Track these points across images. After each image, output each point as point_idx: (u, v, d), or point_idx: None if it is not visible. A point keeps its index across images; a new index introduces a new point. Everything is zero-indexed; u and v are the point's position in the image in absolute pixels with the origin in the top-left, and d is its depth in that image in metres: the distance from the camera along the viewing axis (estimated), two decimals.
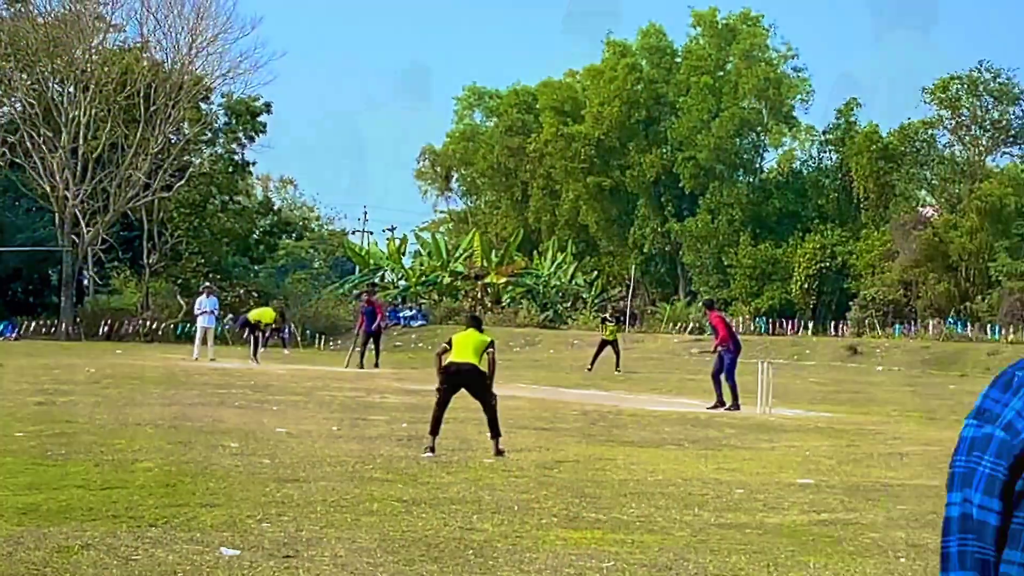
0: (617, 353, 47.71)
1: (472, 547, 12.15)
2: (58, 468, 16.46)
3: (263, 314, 41.08)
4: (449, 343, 20.75)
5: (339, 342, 68.25)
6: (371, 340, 45.97)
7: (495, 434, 20.38)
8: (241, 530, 12.59)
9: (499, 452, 19.80)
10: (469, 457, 19.06)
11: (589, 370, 46.66)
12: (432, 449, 19.59)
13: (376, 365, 44.85)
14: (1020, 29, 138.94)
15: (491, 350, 20.00)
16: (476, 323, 22.19)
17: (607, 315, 53.48)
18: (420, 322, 76.44)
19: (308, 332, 67.56)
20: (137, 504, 13.87)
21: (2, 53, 66.60)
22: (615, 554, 12.01)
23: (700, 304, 49.63)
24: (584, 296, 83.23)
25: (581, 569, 11.29)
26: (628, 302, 78.66)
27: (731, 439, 23.43)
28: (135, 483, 15.41)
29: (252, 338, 46.98)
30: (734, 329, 33.55)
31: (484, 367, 20.76)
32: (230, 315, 59.78)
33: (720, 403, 30.51)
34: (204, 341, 48.64)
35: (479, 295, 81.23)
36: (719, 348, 31.45)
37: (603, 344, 47.58)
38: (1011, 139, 79.75)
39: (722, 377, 31.15)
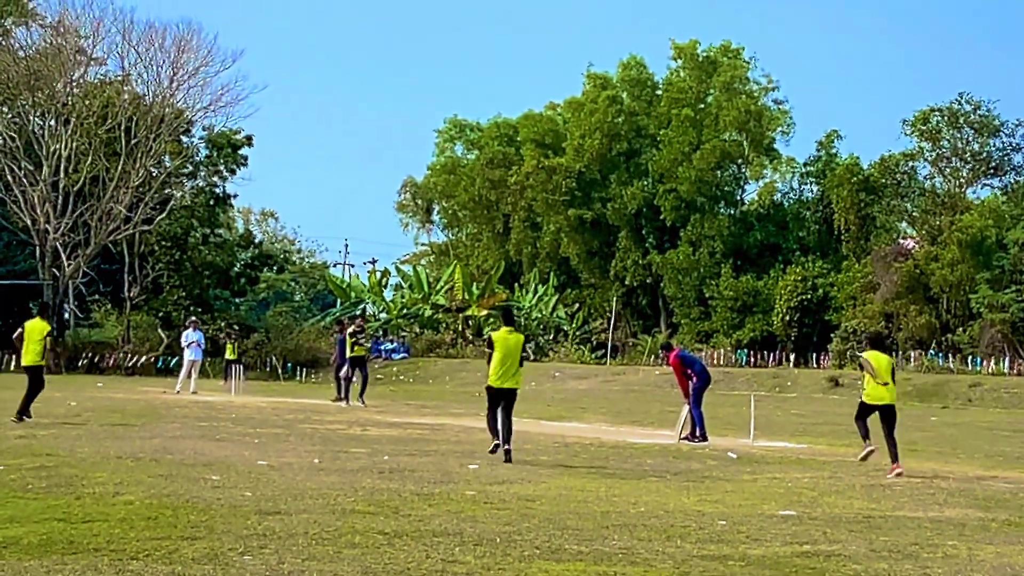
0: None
1: None
2: (39, 501, 16.44)
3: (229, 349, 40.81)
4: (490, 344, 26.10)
5: (320, 375, 68.37)
6: (356, 371, 45.96)
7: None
8: (223, 563, 12.58)
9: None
10: (451, 490, 19.05)
11: None
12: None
13: (360, 396, 44.77)
14: (1000, 61, 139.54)
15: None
16: (506, 315, 27.82)
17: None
18: (402, 355, 76.51)
19: (289, 365, 67.58)
20: (118, 537, 13.85)
21: None
22: None
23: (660, 345, 48.89)
24: (565, 328, 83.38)
25: None
26: (610, 334, 78.88)
27: (713, 471, 23.45)
28: (116, 516, 15.39)
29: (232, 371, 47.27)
30: (703, 362, 33.47)
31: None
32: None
33: (693, 436, 30.60)
34: (189, 374, 48.75)
35: (460, 328, 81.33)
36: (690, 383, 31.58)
37: None
38: (991, 171, 79.95)
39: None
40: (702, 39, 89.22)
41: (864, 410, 25.21)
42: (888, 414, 24.61)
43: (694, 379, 31.56)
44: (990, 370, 62.99)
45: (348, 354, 43.87)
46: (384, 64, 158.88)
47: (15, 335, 33.84)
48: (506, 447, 24.92)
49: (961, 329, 70.05)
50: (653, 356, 74.68)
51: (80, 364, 65.59)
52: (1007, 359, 64.69)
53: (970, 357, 66.86)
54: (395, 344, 78.46)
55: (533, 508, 17.30)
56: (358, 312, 78.73)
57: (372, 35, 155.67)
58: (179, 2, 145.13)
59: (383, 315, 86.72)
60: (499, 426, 25.35)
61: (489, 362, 25.58)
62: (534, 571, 12.71)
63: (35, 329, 32.18)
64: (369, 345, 46.31)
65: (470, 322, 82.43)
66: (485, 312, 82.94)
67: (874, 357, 24.93)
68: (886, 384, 24.75)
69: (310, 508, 16.53)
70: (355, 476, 20.47)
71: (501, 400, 25.34)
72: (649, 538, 14.99)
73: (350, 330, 43.45)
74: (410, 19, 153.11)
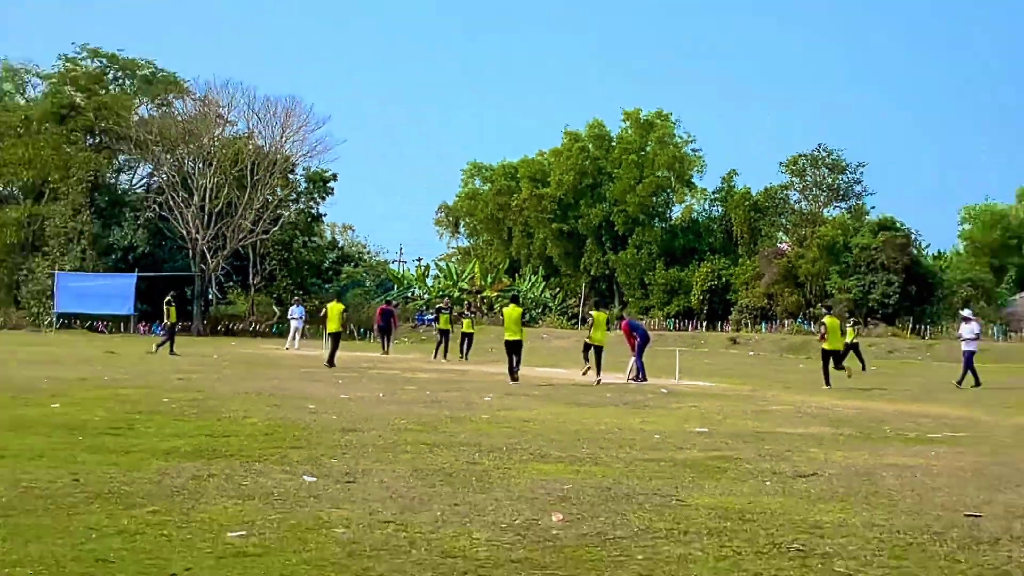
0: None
1: (475, 474, 12.13)
2: (192, 423, 16.44)
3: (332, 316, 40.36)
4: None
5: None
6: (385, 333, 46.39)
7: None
8: (317, 464, 12.58)
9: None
10: (472, 414, 19.01)
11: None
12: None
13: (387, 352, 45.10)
14: (850, 115, 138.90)
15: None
16: (512, 298, 32.38)
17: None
18: (433, 321, 76.51)
19: (362, 330, 67.51)
20: (246, 447, 13.86)
21: (153, 141, 66.63)
22: (572, 479, 11.99)
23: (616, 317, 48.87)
24: (550, 305, 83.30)
25: (549, 490, 11.26)
26: (580, 308, 78.78)
27: (651, 401, 23.38)
28: (245, 433, 15.39)
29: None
30: (644, 326, 33.42)
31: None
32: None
33: (637, 377, 30.61)
34: (293, 337, 49.00)
35: (479, 304, 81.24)
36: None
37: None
38: (840, 197, 79.94)
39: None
40: (644, 106, 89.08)
41: (825, 356, 28.54)
42: (837, 356, 27.97)
43: (637, 339, 31.60)
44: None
45: (438, 326, 46.19)
46: (425, 120, 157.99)
47: (321, 313, 38.48)
48: (513, 375, 29.20)
49: (819, 305, 69.93)
50: (609, 323, 74.43)
51: (219, 329, 65.55)
52: (852, 322, 64.78)
53: (855, 324, 66.80)
54: (434, 315, 78.39)
55: (528, 427, 17.27)
56: (443, 297, 78.56)
57: (415, 100, 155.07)
58: (288, 81, 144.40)
59: (425, 296, 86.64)
60: (512, 366, 29.36)
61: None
62: (529, 470, 12.68)
63: (336, 308, 35.60)
64: (448, 317, 45.15)
65: (485, 300, 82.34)
66: (495, 293, 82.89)
67: (829, 320, 27.05)
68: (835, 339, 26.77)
69: (376, 427, 16.50)
70: (407, 405, 20.44)
71: (511, 348, 29.56)
72: (607, 447, 14.96)
73: (438, 306, 44.10)
74: (441, 89, 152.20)
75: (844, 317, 51.05)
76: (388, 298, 72.42)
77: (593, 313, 31.13)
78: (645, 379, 30.32)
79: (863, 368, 39.77)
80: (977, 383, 31.19)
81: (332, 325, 35.04)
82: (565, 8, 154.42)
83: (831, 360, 29.83)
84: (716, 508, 10.62)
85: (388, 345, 46.75)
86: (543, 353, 51.10)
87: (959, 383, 31.28)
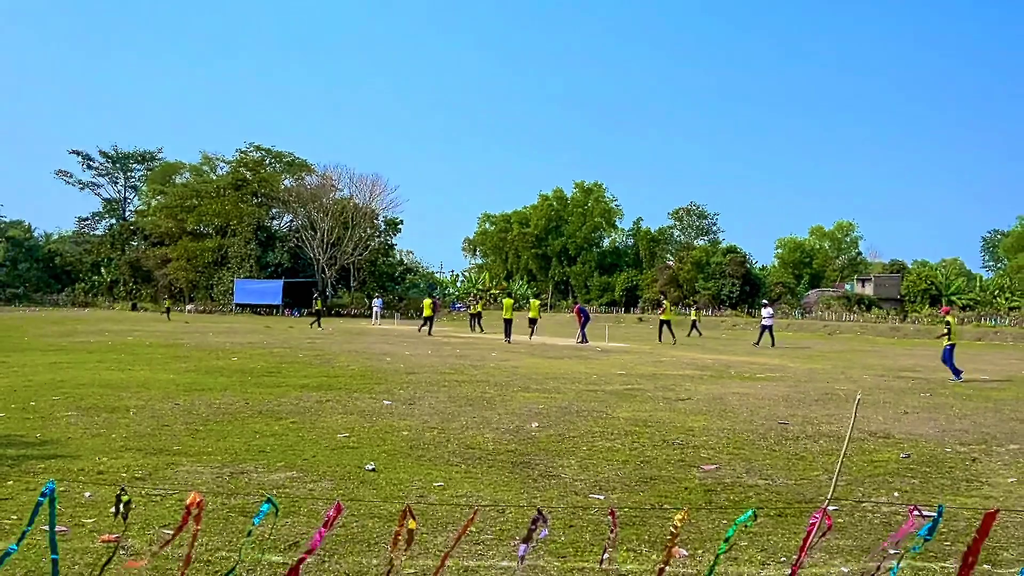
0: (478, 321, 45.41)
1: (485, 399, 12.14)
2: (316, 368, 16.45)
3: (426, 306, 39.34)
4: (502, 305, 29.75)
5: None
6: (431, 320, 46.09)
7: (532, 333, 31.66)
8: (391, 393, 12.59)
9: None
10: (484, 363, 19.02)
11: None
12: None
13: (429, 334, 44.74)
14: (710, 181, 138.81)
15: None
16: (507, 294, 31.03)
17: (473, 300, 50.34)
18: (463, 309, 76.44)
19: (419, 313, 67.53)
20: (349, 383, 13.85)
21: (292, 200, 66.82)
22: (544, 402, 12.00)
23: (571, 304, 49.45)
24: (530, 297, 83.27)
25: (530, 408, 11.28)
26: (550, 300, 78.56)
27: (591, 356, 23.36)
28: (347, 375, 15.39)
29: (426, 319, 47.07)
30: (588, 311, 32.99)
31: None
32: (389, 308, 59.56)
33: (583, 341, 30.56)
34: (376, 317, 48.91)
35: (488, 298, 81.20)
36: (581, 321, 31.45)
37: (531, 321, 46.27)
38: (704, 233, 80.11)
39: (583, 330, 31.35)
40: (587, 179, 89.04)
41: (661, 324, 24.52)
42: (669, 325, 23.18)
43: (583, 318, 31.54)
44: (704, 315, 62.87)
45: (469, 311, 44.13)
46: (456, 184, 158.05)
47: (431, 304, 36.66)
48: (508, 339, 30.20)
49: (690, 298, 69.97)
50: (566, 309, 74.59)
51: (332, 313, 65.49)
52: (710, 310, 64.65)
53: (697, 309, 66.90)
54: (460, 305, 78.47)
55: (518, 371, 17.27)
56: (469, 295, 78.49)
57: (450, 171, 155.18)
58: (375, 161, 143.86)
59: (455, 293, 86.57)
60: (507, 333, 31.02)
61: (503, 310, 32.13)
62: (518, 396, 12.68)
63: (507, 304, 31.75)
64: (479, 307, 43.86)
65: (492, 295, 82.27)
66: (498, 291, 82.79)
67: (952, 320, 18.12)
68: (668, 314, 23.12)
69: (427, 371, 16.52)
70: (445, 358, 20.45)
71: (507, 323, 31.21)
72: (565, 382, 14.95)
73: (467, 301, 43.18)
74: (464, 165, 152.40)
75: (695, 304, 51.42)
76: (433, 295, 72.21)
77: (504, 300, 32.37)
78: (586, 342, 30.27)
79: (700, 335, 40.01)
80: (773, 344, 31.24)
81: (506, 312, 33.75)
82: (546, 119, 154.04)
83: (666, 325, 32.00)
84: (630, 419, 10.65)
85: (431, 326, 46.41)
86: (526, 327, 51.01)
87: (757, 344, 31.25)
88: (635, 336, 39.27)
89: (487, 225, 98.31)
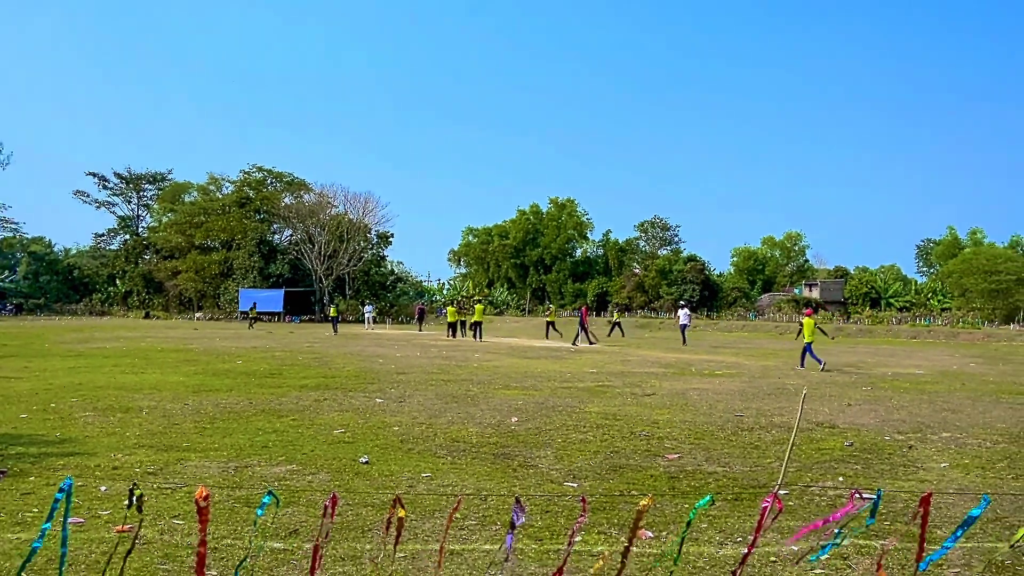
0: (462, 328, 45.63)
1: (469, 397, 12.12)
2: (314, 370, 16.35)
3: (450, 312, 36.60)
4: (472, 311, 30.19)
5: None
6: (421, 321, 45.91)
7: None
8: (383, 391, 12.54)
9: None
10: (468, 363, 18.97)
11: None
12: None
13: (420, 331, 44.52)
14: (673, 195, 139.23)
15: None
16: (477, 301, 31.77)
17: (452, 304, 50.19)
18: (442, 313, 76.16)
19: (408, 318, 67.33)
20: (344, 383, 13.78)
21: (291, 216, 66.54)
22: (523, 399, 11.99)
23: (544, 310, 49.96)
24: (510, 304, 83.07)
25: (511, 404, 11.26)
26: (527, 305, 78.48)
27: (566, 356, 23.35)
28: (343, 375, 15.31)
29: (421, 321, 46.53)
30: (584, 315, 32.40)
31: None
32: (379, 312, 59.19)
33: (591, 342, 30.17)
34: (368, 322, 48.73)
35: (471, 305, 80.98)
36: (582, 321, 31.42)
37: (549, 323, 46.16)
38: (666, 244, 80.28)
39: (580, 330, 31.21)
40: (560, 195, 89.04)
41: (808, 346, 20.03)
42: (809, 345, 19.57)
43: (584, 319, 31.31)
44: (666, 319, 63.12)
45: (470, 317, 38.50)
46: (440, 198, 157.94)
47: (442, 311, 35.96)
48: (479, 340, 31.77)
49: (657, 301, 70.17)
50: (543, 313, 74.56)
51: (328, 320, 65.30)
52: (671, 313, 64.97)
53: (660, 312, 67.12)
54: (444, 310, 78.12)
55: (499, 370, 17.26)
56: (453, 301, 78.38)
57: (440, 188, 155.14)
58: (366, 182, 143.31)
59: (442, 300, 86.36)
60: (477, 334, 33.17)
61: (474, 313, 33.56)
62: (499, 394, 12.67)
63: (479, 308, 33.78)
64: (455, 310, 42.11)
65: (479, 301, 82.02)
66: (480, 297, 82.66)
67: (807, 321, 19.67)
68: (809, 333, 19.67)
69: (416, 371, 16.47)
70: (433, 359, 20.39)
71: (476, 325, 33.49)
72: (542, 380, 14.95)
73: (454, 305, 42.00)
74: (447, 181, 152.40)
75: (616, 306, 51.55)
76: (421, 301, 72.11)
77: (476, 307, 34.34)
78: (594, 342, 30.09)
79: (622, 335, 39.69)
80: (684, 343, 31.28)
81: (475, 316, 34.65)
82: (523, 143, 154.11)
83: (551, 326, 34.71)
84: (600, 413, 10.66)
85: (421, 327, 46.53)
86: (507, 330, 51.00)
87: (685, 343, 31.20)
88: (605, 337, 39.32)
89: (470, 237, 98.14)
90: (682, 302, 37.59)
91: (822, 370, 18.56)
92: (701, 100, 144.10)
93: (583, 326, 31.30)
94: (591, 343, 30.17)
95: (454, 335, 36.75)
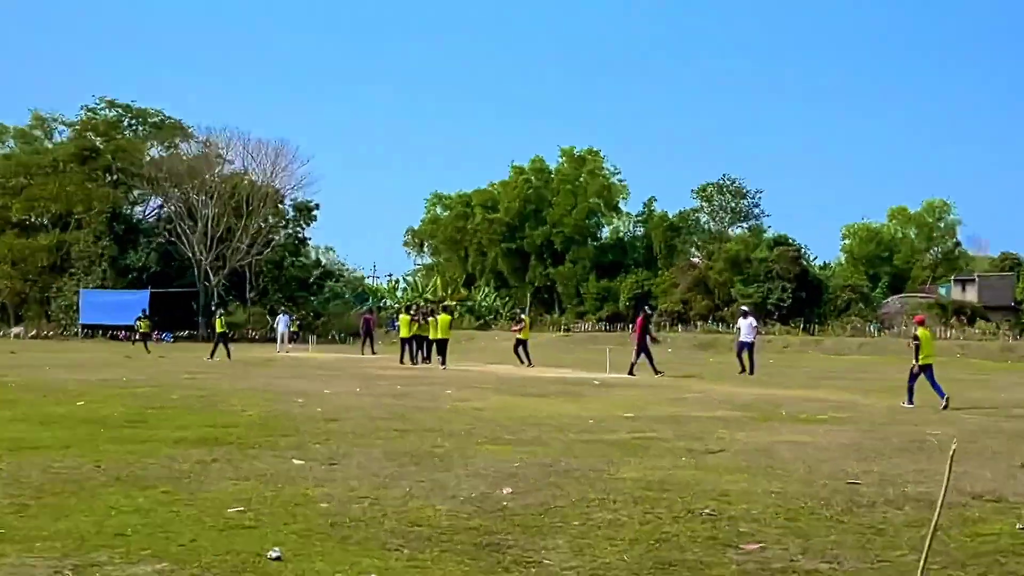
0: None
1: (437, 456, 12.13)
2: (197, 416, 16.35)
3: (403, 324, 38.05)
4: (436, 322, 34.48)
5: (360, 341, 68.24)
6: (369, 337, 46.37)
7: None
8: (304, 449, 12.55)
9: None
10: (436, 405, 19.00)
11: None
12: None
13: (373, 352, 44.86)
14: (750, 149, 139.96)
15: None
16: (444, 308, 33.53)
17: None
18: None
19: (342, 335, 67.39)
20: (243, 435, 13.80)
21: (163, 178, 66.60)
22: (520, 458, 12.01)
23: (556, 321, 49.52)
24: (500, 311, 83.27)
25: (500, 467, 11.27)
26: (527, 314, 78.79)
27: (587, 392, 23.42)
28: (242, 423, 15.33)
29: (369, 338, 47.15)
30: (641, 329, 31.65)
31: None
32: (298, 324, 59.40)
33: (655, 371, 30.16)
34: (282, 341, 48.90)
35: (440, 313, 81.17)
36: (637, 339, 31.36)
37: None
38: (742, 218, 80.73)
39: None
40: (577, 144, 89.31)
41: (917, 371, 20.34)
42: (929, 369, 20.12)
43: (640, 336, 31.17)
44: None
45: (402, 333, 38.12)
46: (395, 156, 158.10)
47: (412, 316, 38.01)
48: (443, 366, 33.53)
49: (725, 308, 70.37)
50: (551, 326, 74.84)
51: (217, 337, 65.40)
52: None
53: (731, 325, 67.42)
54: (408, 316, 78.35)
55: (483, 414, 17.28)
56: (380, 305, 78.73)
57: (386, 139, 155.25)
58: (277, 126, 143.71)
59: (395, 305, 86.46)
60: (436, 353, 34.73)
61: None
62: (483, 450, 12.70)
63: (444, 322, 35.28)
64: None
65: (446, 309, 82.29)
66: (454, 302, 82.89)
67: (923, 333, 20.50)
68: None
69: (354, 417, 16.48)
70: (380, 398, 20.41)
71: (442, 344, 34.72)
72: (549, 430, 14.98)
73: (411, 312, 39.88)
74: (407, 130, 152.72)
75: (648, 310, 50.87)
76: (368, 307, 72.30)
77: (441, 317, 35.52)
78: (642, 371, 30.04)
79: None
80: (745, 370, 31.22)
81: (440, 331, 35.11)
82: (511, 59, 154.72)
83: (522, 347, 35.63)
84: (640, 480, 10.66)
85: (372, 346, 46.66)
86: (494, 352, 51.04)
87: (749, 372, 30.98)
88: (644, 364, 39.35)
89: (438, 210, 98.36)
90: (744, 308, 37.19)
91: (943, 408, 19.30)
92: (786, 8, 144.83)
93: (643, 347, 30.87)
94: (656, 373, 29.97)
95: (412, 360, 36.68)
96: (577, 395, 22.24)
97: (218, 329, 39.88)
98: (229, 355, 38.06)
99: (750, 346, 32.09)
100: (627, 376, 29.63)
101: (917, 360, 20.11)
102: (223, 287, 69.25)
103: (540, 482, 10.45)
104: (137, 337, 49.76)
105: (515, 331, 38.59)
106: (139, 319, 50.92)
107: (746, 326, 32.61)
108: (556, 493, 9.86)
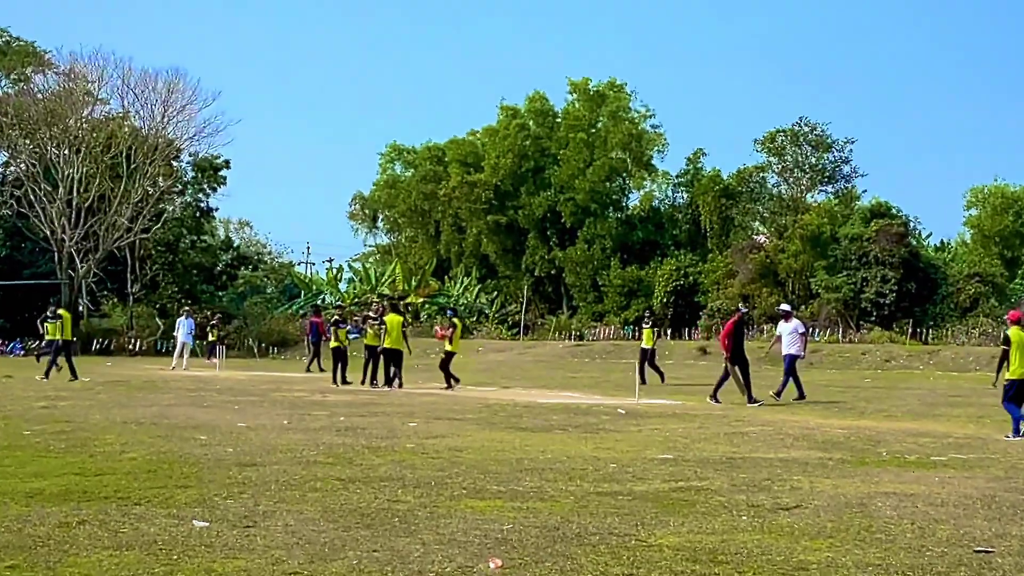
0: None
1: (397, 515, 12.14)
2: (59, 459, 16.34)
3: (340, 334, 40.31)
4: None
5: (288, 353, 68.21)
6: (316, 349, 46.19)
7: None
8: (209, 506, 12.55)
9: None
10: (394, 443, 19.03)
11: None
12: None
13: (321, 369, 44.81)
14: (833, 88, 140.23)
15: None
16: (393, 307, 37.97)
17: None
18: (355, 335, 76.49)
19: (263, 345, 67.37)
20: (124, 487, 13.80)
21: (8, 123, 66.39)
22: (513, 518, 12.02)
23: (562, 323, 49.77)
24: (487, 311, 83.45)
25: (485, 531, 11.29)
26: (522, 316, 78.94)
27: (606, 424, 23.45)
28: (123, 470, 15.32)
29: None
30: (730, 334, 31.40)
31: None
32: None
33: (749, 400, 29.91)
34: (181, 354, 48.88)
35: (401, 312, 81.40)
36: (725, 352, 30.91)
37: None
38: (826, 179, 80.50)
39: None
40: (593, 75, 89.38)
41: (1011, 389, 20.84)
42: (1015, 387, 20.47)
43: (729, 344, 30.60)
44: (827, 339, 63.58)
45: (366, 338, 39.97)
46: (335, 97, 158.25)
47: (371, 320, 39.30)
48: (399, 384, 35.26)
49: (803, 307, 70.49)
50: (558, 332, 74.96)
51: (93, 348, 65.23)
52: (840, 330, 65.39)
53: (811, 329, 67.58)
54: (350, 327, 78.62)
55: (461, 457, 17.30)
56: (318, 303, 78.75)
57: (323, 74, 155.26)
58: (169, 51, 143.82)
59: (339, 303, 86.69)
60: (390, 373, 35.43)
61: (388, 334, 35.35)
62: (461, 508, 12.71)
63: (393, 323, 35.69)
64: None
65: (409, 308, 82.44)
66: (421, 299, 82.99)
67: (1017, 335, 20.57)
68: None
69: (280, 460, 16.49)
70: (317, 434, 20.41)
71: (391, 357, 35.46)
72: (555, 479, 15.01)
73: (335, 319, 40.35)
74: (354, 60, 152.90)
75: (643, 317, 50.61)
76: (316, 306, 72.29)
77: (389, 318, 35.88)
78: (755, 400, 29.77)
79: (662, 380, 39.77)
80: (800, 395, 31.35)
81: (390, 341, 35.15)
82: None
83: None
84: (683, 548, 10.68)
85: (319, 361, 46.73)
86: (478, 369, 51.08)
87: (778, 395, 31.18)
88: (695, 383, 39.41)
89: (397, 169, 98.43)
90: (785, 307, 36.67)
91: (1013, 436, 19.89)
92: None
93: (738, 357, 30.60)
94: (750, 401, 29.84)
95: (342, 378, 37.97)
96: (593, 429, 22.23)
97: (49, 335, 39.46)
98: (73, 372, 37.84)
99: (795, 361, 31.88)
100: (710, 402, 29.55)
101: (999, 374, 20.41)
102: (95, 278, 69.24)
103: (541, 552, 10.47)
104: None
105: (440, 337, 39.33)
106: None
107: (789, 332, 32.37)
108: (564, 567, 9.88)
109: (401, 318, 36.44)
